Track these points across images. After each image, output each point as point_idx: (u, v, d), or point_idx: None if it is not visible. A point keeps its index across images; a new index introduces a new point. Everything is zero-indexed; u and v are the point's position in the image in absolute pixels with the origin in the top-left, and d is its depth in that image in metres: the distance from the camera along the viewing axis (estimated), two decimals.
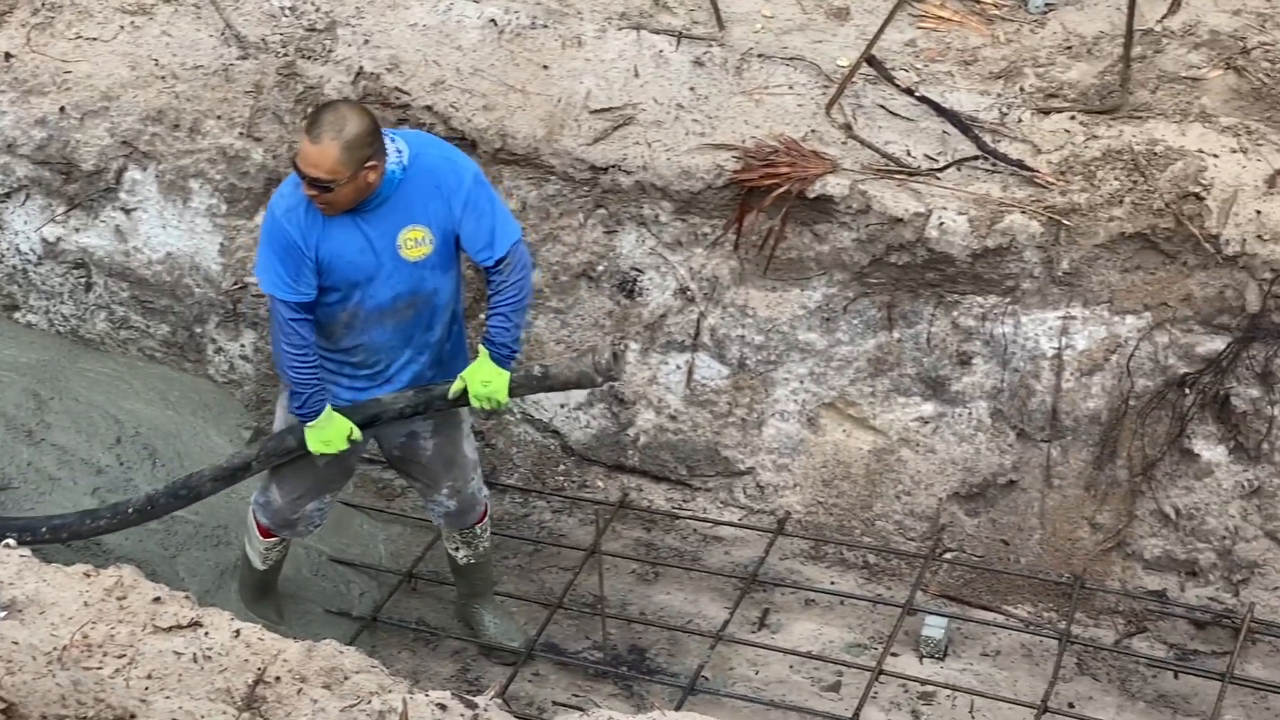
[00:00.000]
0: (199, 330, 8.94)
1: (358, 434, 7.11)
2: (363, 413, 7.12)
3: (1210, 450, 7.90)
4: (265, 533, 7.50)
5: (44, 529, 7.43)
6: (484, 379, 7.06)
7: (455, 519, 7.56)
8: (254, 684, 5.35)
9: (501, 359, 7.07)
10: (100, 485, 7.99)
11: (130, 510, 7.41)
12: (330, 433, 7.07)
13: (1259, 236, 7.57)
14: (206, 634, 5.51)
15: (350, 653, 5.64)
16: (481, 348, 7.08)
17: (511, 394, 7.12)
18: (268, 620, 7.43)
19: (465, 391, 7.08)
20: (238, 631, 5.54)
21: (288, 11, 8.83)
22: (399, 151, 6.83)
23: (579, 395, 8.59)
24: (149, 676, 5.27)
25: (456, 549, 7.71)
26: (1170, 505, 7.97)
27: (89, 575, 5.70)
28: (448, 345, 7.26)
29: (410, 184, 6.85)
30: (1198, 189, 7.69)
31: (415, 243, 6.89)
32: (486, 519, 7.70)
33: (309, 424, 7.06)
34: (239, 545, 7.77)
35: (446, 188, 6.89)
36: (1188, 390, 7.84)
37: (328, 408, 7.06)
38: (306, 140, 6.66)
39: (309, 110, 8.17)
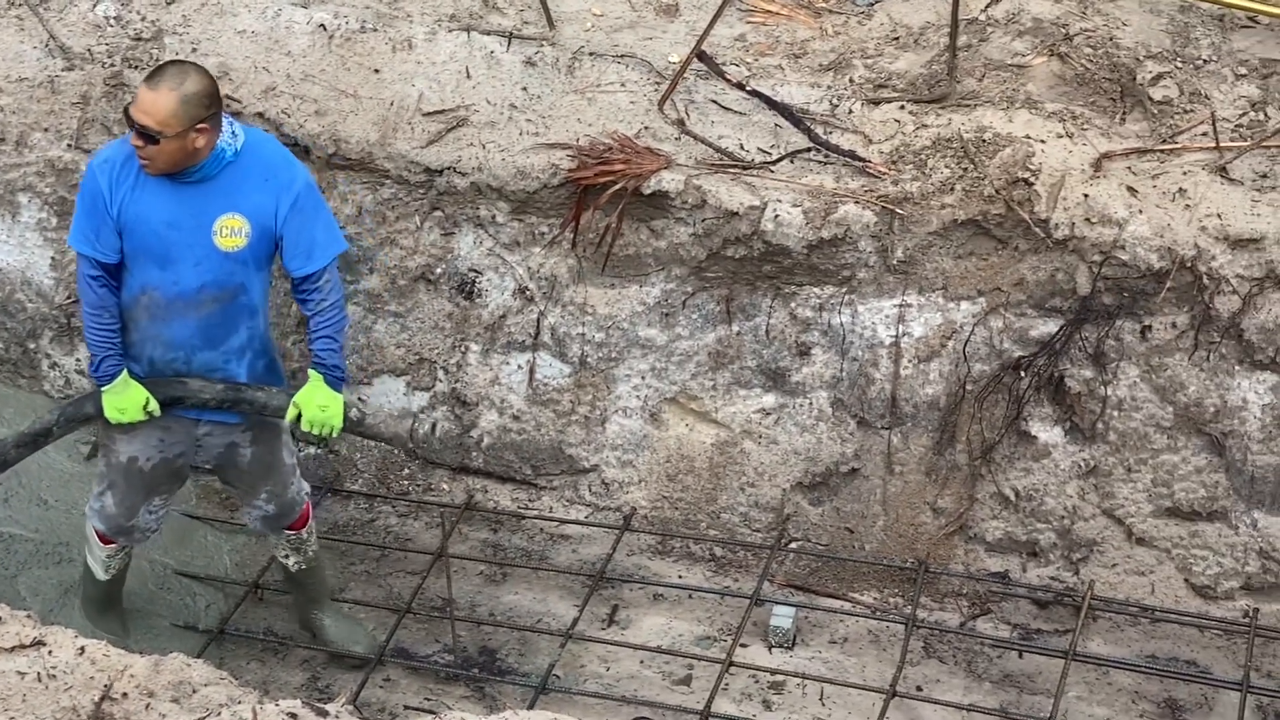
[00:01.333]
0: (32, 346, 8.81)
1: (155, 406, 7.00)
2: (165, 389, 7.03)
3: (1047, 432, 8.02)
4: (104, 539, 7.41)
5: None
6: (321, 404, 7.02)
7: (273, 522, 7.49)
8: (100, 701, 5.30)
9: (335, 381, 7.04)
10: None
11: None
12: (126, 400, 6.98)
13: (1087, 220, 7.70)
14: (50, 653, 5.46)
15: (198, 665, 5.60)
16: (312, 372, 7.03)
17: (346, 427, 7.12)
18: (113, 636, 7.34)
19: (286, 409, 7.04)
20: (82, 649, 5.49)
21: (113, 21, 8.73)
22: (234, 135, 6.81)
23: (421, 399, 8.56)
24: None
25: (286, 556, 7.65)
26: (1010, 487, 8.08)
27: None
28: (261, 363, 7.19)
29: (240, 170, 6.81)
30: (1026, 175, 7.81)
31: (232, 231, 6.82)
32: (310, 522, 7.63)
33: (104, 388, 6.98)
34: (81, 562, 7.67)
35: (277, 183, 6.85)
36: (1023, 373, 7.95)
37: (124, 374, 6.97)
38: (144, 87, 6.63)
39: None
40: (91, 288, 6.86)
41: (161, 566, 8.09)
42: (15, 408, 8.66)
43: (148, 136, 6.60)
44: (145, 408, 7.00)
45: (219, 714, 5.28)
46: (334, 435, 7.17)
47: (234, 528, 8.42)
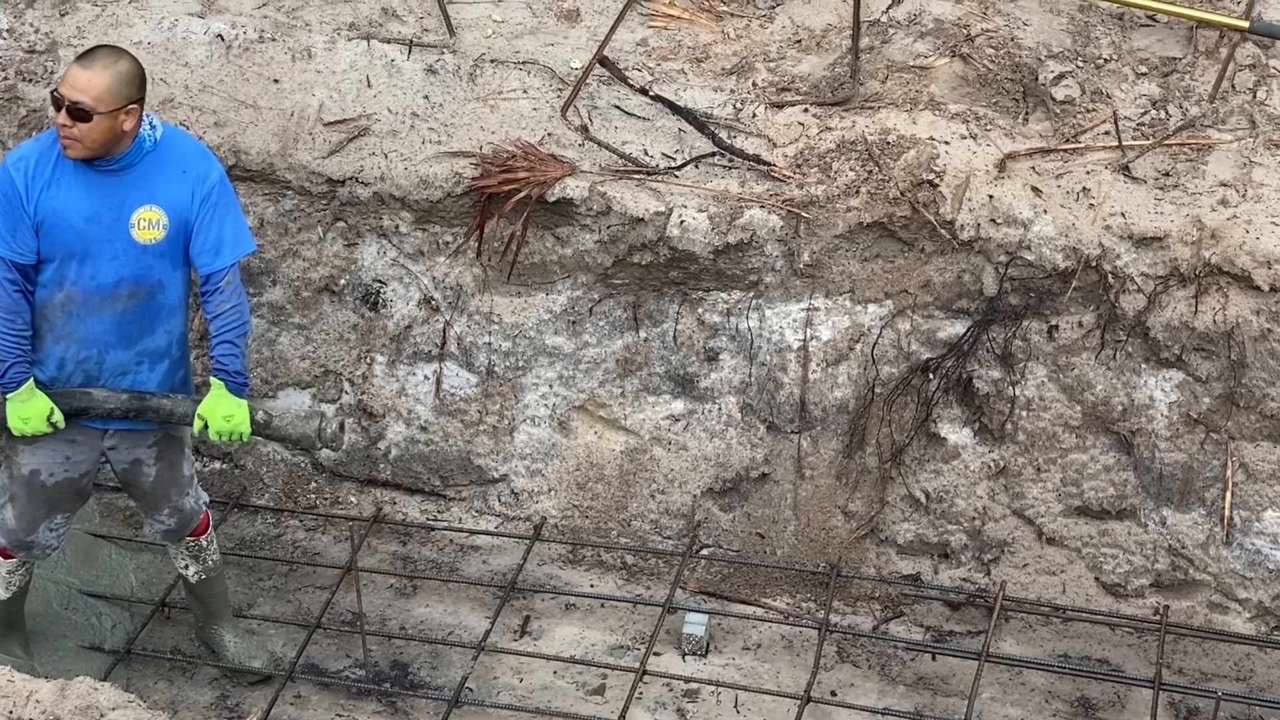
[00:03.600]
0: None
1: (59, 417, 6.92)
2: (70, 400, 6.94)
3: (956, 433, 8.03)
4: (4, 554, 7.31)
5: None
6: (225, 414, 6.96)
7: (174, 534, 7.44)
8: None
9: (238, 388, 6.98)
10: None
11: None
12: (29, 410, 6.90)
13: (992, 220, 7.71)
14: None
15: (105, 689, 5.54)
16: (214, 379, 6.97)
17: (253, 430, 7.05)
18: (14, 658, 7.25)
19: (193, 418, 6.97)
20: None
21: (5, 34, 8.61)
22: (153, 127, 6.80)
23: (327, 412, 8.49)
24: None
25: (186, 565, 7.57)
26: (920, 489, 8.09)
27: None
28: (179, 374, 7.12)
29: (158, 161, 6.78)
30: (931, 176, 7.81)
31: (149, 224, 6.77)
32: (210, 530, 7.56)
33: (9, 396, 6.90)
34: None
35: (193, 175, 6.82)
36: (931, 375, 7.97)
37: (29, 383, 6.89)
38: (76, 66, 6.61)
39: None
40: (5, 291, 6.78)
41: (66, 586, 7.99)
42: None
43: (79, 114, 6.56)
44: (49, 419, 6.91)
45: None
46: (242, 442, 7.11)
47: (139, 546, 8.33)
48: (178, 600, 7.98)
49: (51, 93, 6.72)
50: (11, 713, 5.26)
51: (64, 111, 6.59)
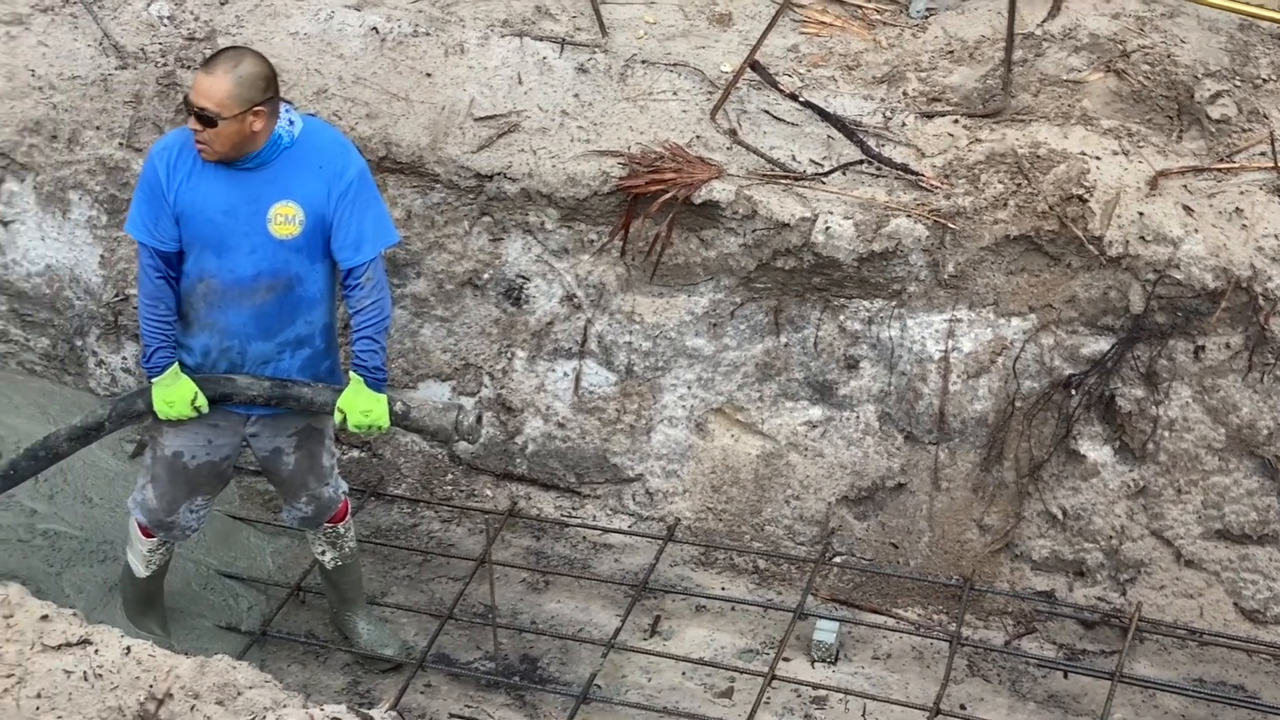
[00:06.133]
0: (80, 343, 8.83)
1: (203, 402, 7.01)
2: (214, 386, 7.04)
3: (1096, 451, 7.96)
4: (145, 532, 7.41)
5: None
6: (364, 408, 7.01)
7: (311, 521, 7.52)
8: (158, 704, 5.29)
9: (377, 383, 7.02)
10: None
11: None
12: (174, 394, 6.99)
13: (1141, 238, 7.64)
14: (96, 652, 5.46)
15: (243, 668, 5.60)
16: (353, 374, 7.01)
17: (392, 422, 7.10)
18: (152, 634, 7.36)
19: (334, 408, 7.04)
20: (128, 649, 5.49)
21: (166, 21, 8.74)
22: (291, 123, 6.84)
23: (466, 405, 8.55)
24: (39, 696, 5.21)
25: (323, 551, 7.65)
26: (1057, 506, 8.03)
27: None
28: (325, 365, 7.20)
29: (295, 157, 6.82)
30: (1081, 191, 7.76)
31: (285, 219, 6.83)
32: (348, 518, 7.63)
33: (154, 380, 7.00)
34: (123, 561, 7.67)
35: (330, 170, 6.85)
36: (1073, 391, 7.91)
37: (174, 367, 6.99)
38: (201, 72, 6.68)
39: None
40: (149, 278, 6.89)
41: (205, 567, 8.09)
42: (61, 404, 8.68)
43: (205, 119, 6.63)
44: (193, 403, 7.00)
45: (264, 718, 5.27)
46: (380, 432, 7.18)
47: (277, 529, 8.42)
48: (313, 585, 8.06)
49: (184, 96, 6.80)
50: (152, 687, 5.34)
51: (193, 117, 6.67)
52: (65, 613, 5.64)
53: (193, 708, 5.30)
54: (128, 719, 5.20)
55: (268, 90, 6.69)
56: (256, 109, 6.65)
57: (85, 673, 5.33)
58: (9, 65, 8.71)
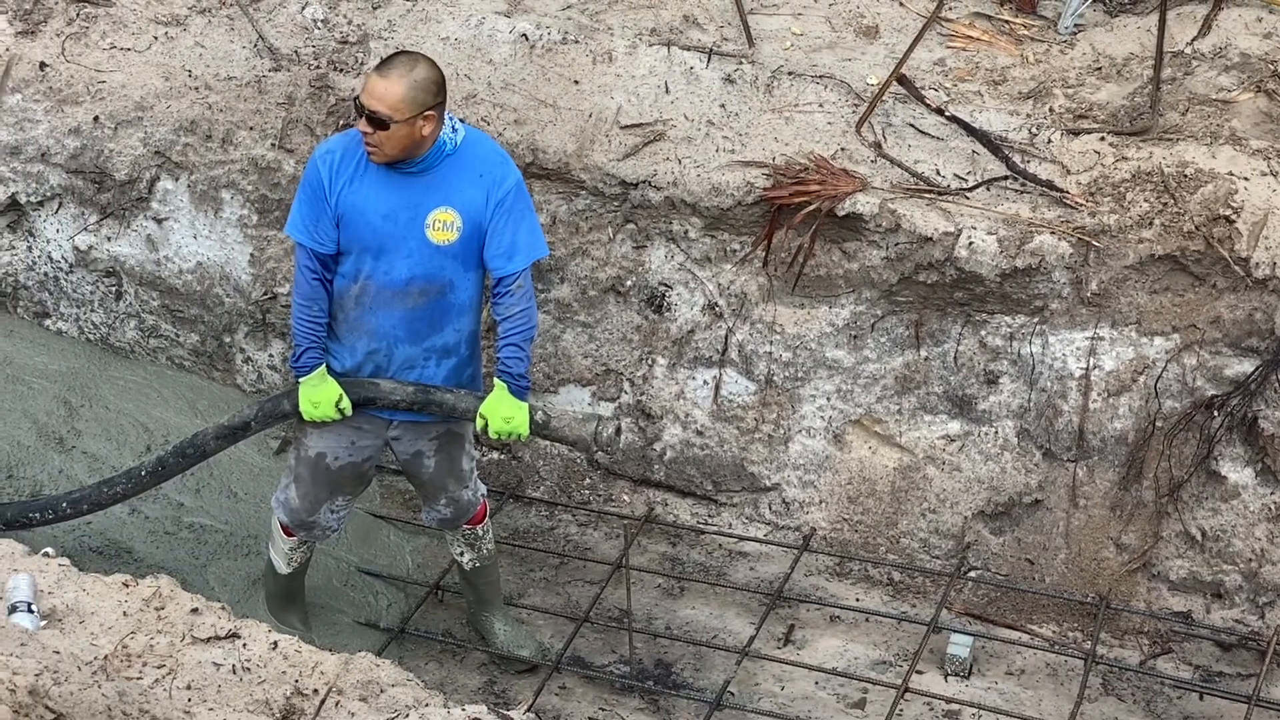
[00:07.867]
0: (228, 340, 8.97)
1: (347, 404, 7.10)
2: (358, 389, 7.13)
3: (1237, 472, 7.91)
4: (287, 531, 7.53)
5: (64, 504, 7.49)
6: (505, 415, 7.06)
7: (450, 522, 7.59)
8: (290, 696, 5.37)
9: (520, 391, 7.07)
10: None
11: (144, 473, 7.47)
12: (320, 395, 7.08)
13: None
14: (244, 645, 5.55)
15: (386, 665, 5.67)
16: (497, 380, 7.06)
17: (532, 431, 7.17)
18: (293, 629, 7.47)
19: (475, 415, 7.10)
20: (275, 643, 5.57)
21: (320, 24, 8.86)
22: (454, 130, 6.92)
23: (606, 411, 8.61)
24: (189, 687, 5.30)
25: (461, 553, 7.73)
26: (1196, 527, 7.98)
27: (127, 585, 5.74)
28: (467, 372, 7.27)
29: (456, 164, 6.90)
30: (1228, 212, 7.71)
31: (444, 225, 6.91)
32: (486, 519, 7.70)
33: (301, 379, 7.10)
34: (266, 556, 7.79)
35: (489, 180, 6.92)
36: (1215, 412, 7.86)
37: (322, 368, 7.09)
38: (375, 75, 6.76)
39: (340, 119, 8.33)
40: (306, 278, 6.99)
41: (345, 564, 8.20)
42: (209, 399, 8.82)
43: (377, 122, 6.71)
44: (338, 405, 7.10)
45: (406, 715, 5.34)
46: (520, 440, 7.24)
47: (416, 528, 8.52)
48: (451, 584, 8.15)
49: (354, 100, 6.88)
50: (297, 681, 5.42)
51: (364, 119, 6.75)
52: (214, 606, 5.73)
53: (337, 703, 5.38)
54: (274, 712, 5.29)
55: (439, 95, 6.77)
56: (427, 113, 6.74)
57: (234, 666, 5.42)
58: (166, 65, 8.86)
